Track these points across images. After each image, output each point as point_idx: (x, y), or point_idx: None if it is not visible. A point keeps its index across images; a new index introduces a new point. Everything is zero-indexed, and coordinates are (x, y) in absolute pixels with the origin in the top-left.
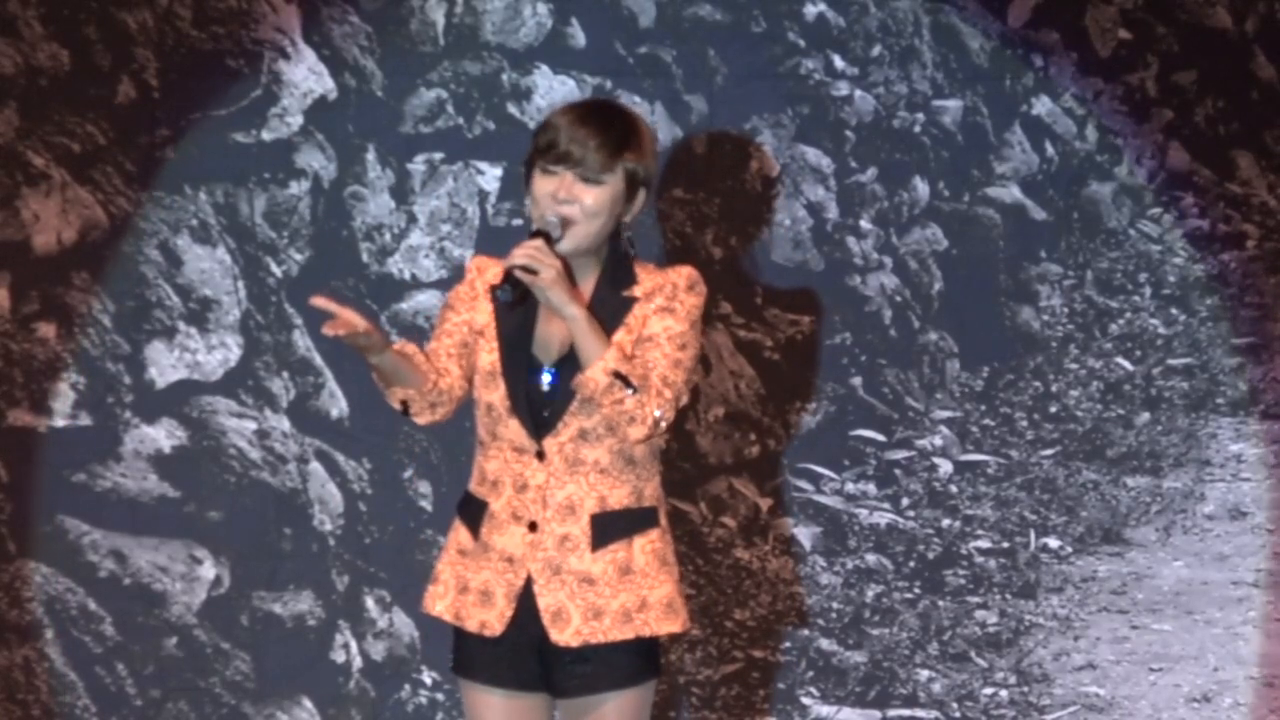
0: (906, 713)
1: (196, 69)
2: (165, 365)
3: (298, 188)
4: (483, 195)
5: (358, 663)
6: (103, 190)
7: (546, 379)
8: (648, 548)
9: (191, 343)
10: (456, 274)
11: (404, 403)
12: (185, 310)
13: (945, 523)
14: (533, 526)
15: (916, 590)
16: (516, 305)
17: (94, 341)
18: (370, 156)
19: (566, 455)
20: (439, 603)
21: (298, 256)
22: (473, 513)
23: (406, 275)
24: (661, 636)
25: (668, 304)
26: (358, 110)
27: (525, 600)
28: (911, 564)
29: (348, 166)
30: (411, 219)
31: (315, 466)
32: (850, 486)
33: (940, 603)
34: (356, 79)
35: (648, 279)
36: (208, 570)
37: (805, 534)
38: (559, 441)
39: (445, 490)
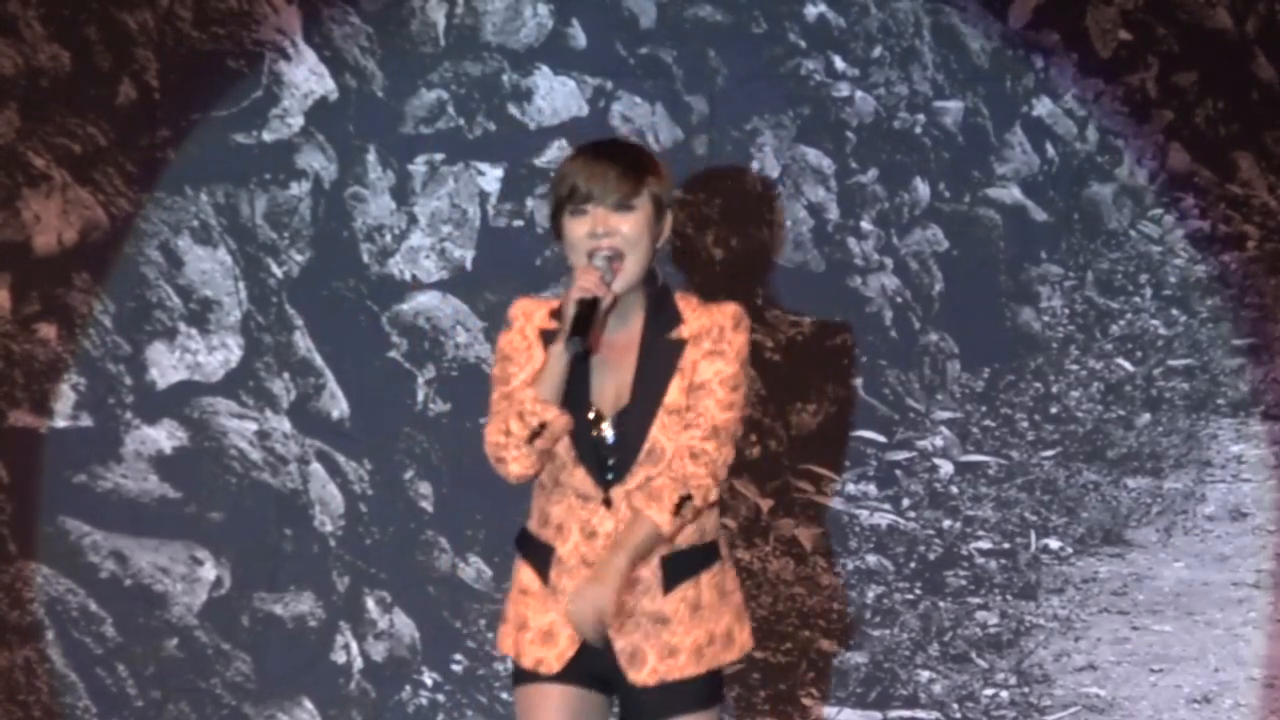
0: (907, 714)
1: (197, 70)
2: (166, 366)
3: (298, 189)
4: (483, 196)
5: (358, 663)
6: (103, 191)
7: (609, 431)
8: (711, 583)
9: (192, 344)
10: (457, 274)
11: (543, 425)
12: (186, 311)
13: (946, 524)
14: None
15: (917, 591)
16: (588, 352)
17: (95, 342)
18: (371, 157)
19: (633, 503)
20: (507, 640)
21: (298, 257)
22: (539, 556)
23: (407, 276)
24: (728, 665)
25: (715, 346)
26: (358, 111)
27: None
28: (912, 565)
29: (348, 167)
30: (412, 220)
31: (316, 467)
32: (851, 487)
33: (941, 604)
34: (357, 80)
35: (694, 318)
36: (208, 571)
37: (806, 535)
38: (626, 490)
39: (445, 491)
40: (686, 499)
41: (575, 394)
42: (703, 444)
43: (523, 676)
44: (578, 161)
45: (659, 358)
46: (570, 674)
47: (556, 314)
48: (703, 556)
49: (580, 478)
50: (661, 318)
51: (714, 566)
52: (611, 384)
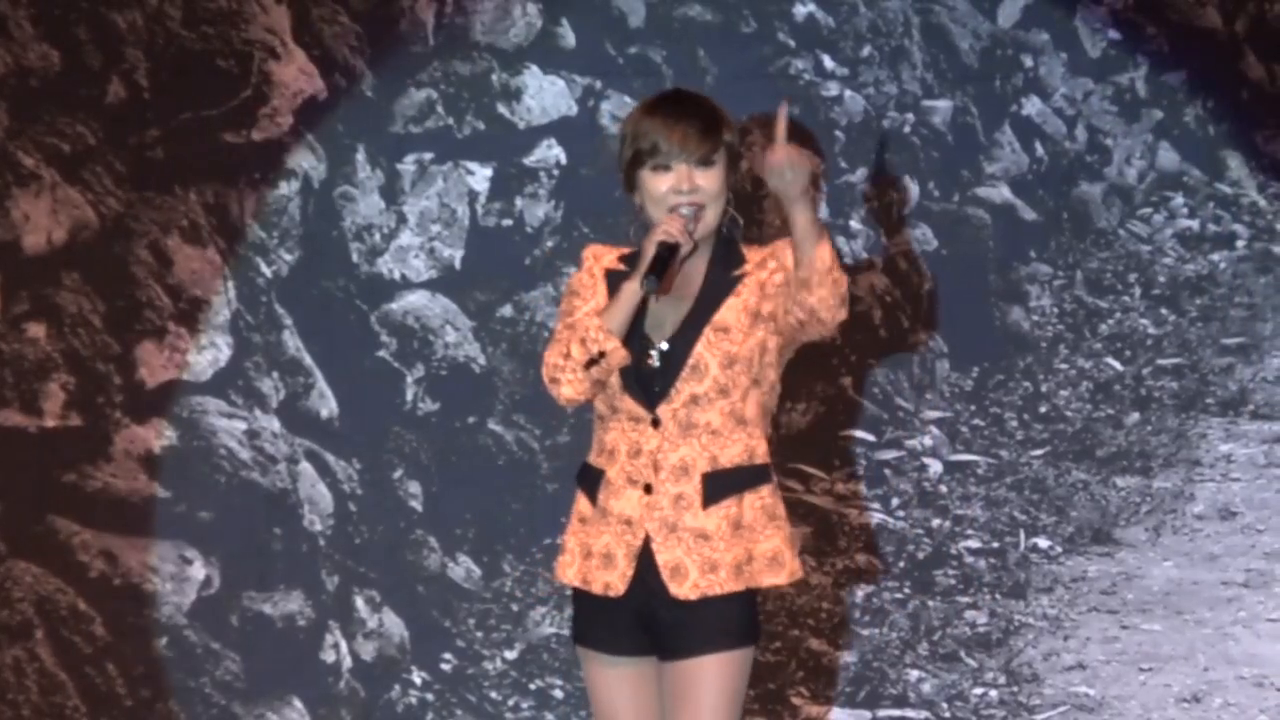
0: (896, 713)
1: (187, 69)
2: (155, 365)
3: (288, 188)
4: (472, 195)
5: (347, 663)
6: (93, 190)
7: (656, 359)
8: (757, 504)
9: (181, 343)
10: (446, 274)
11: (601, 354)
12: (175, 310)
13: (935, 523)
14: (648, 489)
15: (906, 590)
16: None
17: (84, 342)
18: (360, 157)
19: (680, 420)
20: (569, 570)
21: (288, 257)
22: (591, 481)
23: (396, 275)
24: (766, 588)
25: (783, 260)
26: (348, 110)
27: (644, 559)
28: (901, 564)
29: (338, 167)
30: (401, 219)
31: (305, 466)
32: (840, 486)
33: (930, 603)
34: (346, 79)
35: (755, 255)
36: (198, 570)
37: (795, 534)
38: (672, 408)
39: (435, 490)
40: (842, 270)
41: (632, 327)
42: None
43: (582, 639)
44: (656, 119)
45: (717, 289)
46: (629, 647)
47: (625, 259)
48: (747, 477)
49: (629, 402)
50: (727, 259)
51: (762, 489)
52: (670, 317)
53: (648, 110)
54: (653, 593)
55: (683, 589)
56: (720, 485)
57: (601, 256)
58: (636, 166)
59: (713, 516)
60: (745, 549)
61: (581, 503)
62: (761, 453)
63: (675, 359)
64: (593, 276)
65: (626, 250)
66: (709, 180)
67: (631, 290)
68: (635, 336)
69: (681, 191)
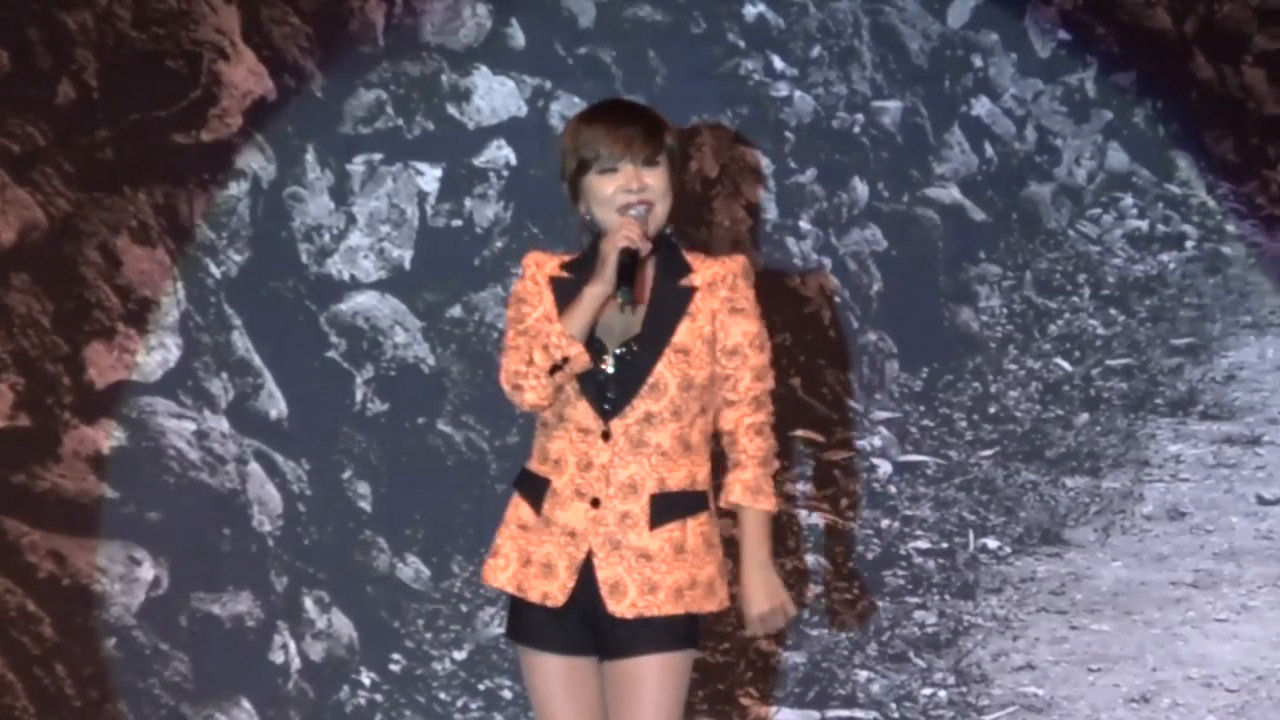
0: (845, 713)
1: (136, 70)
2: (104, 366)
3: (237, 188)
4: (422, 196)
5: (296, 663)
6: (42, 191)
7: (610, 366)
8: (698, 530)
9: (131, 343)
10: (396, 274)
11: (565, 359)
12: (124, 311)
13: (884, 523)
14: (595, 503)
15: (855, 591)
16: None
17: (33, 342)
18: (309, 157)
19: (631, 437)
20: (501, 575)
21: (237, 257)
22: (534, 489)
23: (345, 276)
24: (704, 614)
25: (734, 300)
26: (297, 111)
27: (584, 572)
28: (850, 564)
29: (287, 167)
30: (351, 220)
31: (254, 467)
32: (789, 487)
33: (879, 603)
34: (296, 80)
35: (702, 267)
36: (146, 571)
37: None
38: (625, 423)
39: (384, 491)
40: (776, 474)
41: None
42: (757, 417)
43: (520, 635)
44: (598, 126)
45: (670, 301)
46: (569, 645)
47: (567, 265)
48: (692, 502)
49: (582, 411)
50: (671, 266)
51: (701, 515)
52: (619, 324)
53: (587, 120)
54: (593, 599)
55: (620, 607)
56: (666, 508)
57: (543, 264)
58: (581, 174)
59: (657, 538)
60: (689, 574)
61: (522, 509)
62: (702, 480)
63: (634, 373)
64: (537, 284)
65: (567, 257)
66: (655, 179)
67: (593, 295)
68: (589, 343)
69: (630, 190)
